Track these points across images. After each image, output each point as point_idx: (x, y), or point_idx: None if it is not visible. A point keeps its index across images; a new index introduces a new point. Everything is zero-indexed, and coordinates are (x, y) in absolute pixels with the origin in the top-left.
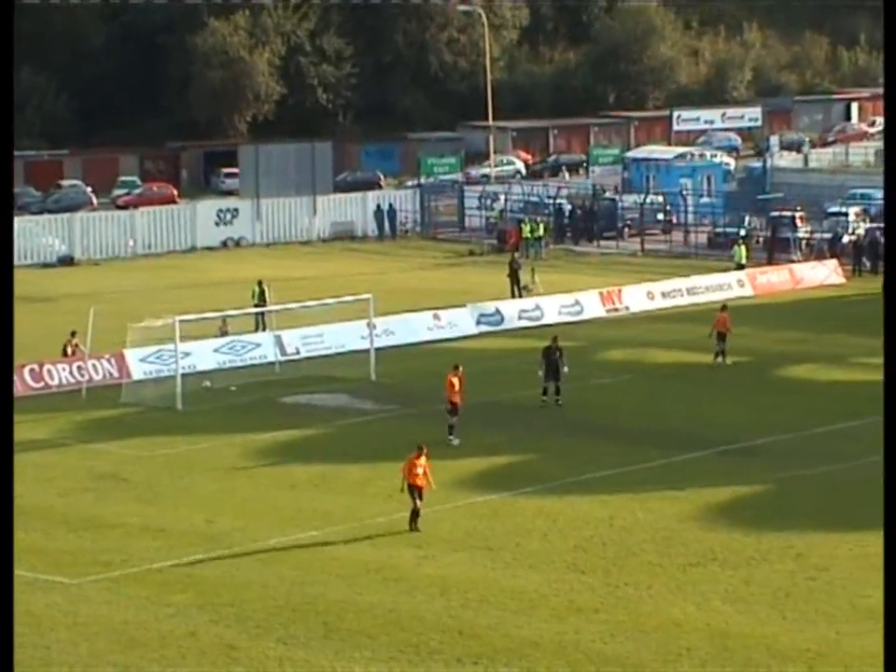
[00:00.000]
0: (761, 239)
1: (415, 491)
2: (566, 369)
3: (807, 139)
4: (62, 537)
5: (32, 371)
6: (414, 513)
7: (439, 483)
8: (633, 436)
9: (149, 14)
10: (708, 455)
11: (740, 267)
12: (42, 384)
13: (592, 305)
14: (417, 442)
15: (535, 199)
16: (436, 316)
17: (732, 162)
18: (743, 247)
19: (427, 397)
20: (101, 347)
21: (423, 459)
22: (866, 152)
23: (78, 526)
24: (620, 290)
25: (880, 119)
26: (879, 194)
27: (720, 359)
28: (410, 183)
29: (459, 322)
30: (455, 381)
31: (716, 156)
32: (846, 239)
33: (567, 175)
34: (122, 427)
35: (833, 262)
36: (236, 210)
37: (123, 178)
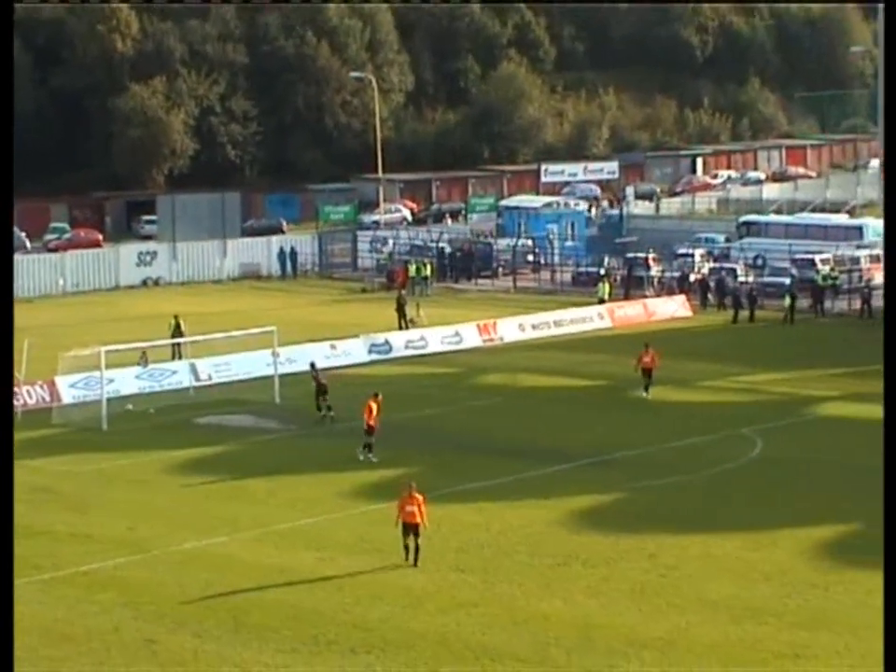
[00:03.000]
0: (618, 277)
1: (409, 528)
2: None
3: (658, 190)
4: None
5: None
6: (407, 548)
7: (336, 495)
8: (506, 451)
9: (76, 79)
10: (572, 467)
11: (601, 301)
12: None
13: (470, 336)
14: (408, 482)
15: (420, 242)
16: (332, 346)
17: (592, 210)
18: (604, 285)
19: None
20: (34, 375)
21: (416, 496)
22: (710, 201)
23: (14, 534)
24: (495, 323)
25: (722, 172)
26: (721, 238)
27: (645, 394)
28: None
29: (353, 351)
30: (374, 406)
31: (578, 204)
32: (692, 277)
33: (448, 221)
34: (54, 445)
35: (682, 298)
36: (155, 253)
37: (54, 225)
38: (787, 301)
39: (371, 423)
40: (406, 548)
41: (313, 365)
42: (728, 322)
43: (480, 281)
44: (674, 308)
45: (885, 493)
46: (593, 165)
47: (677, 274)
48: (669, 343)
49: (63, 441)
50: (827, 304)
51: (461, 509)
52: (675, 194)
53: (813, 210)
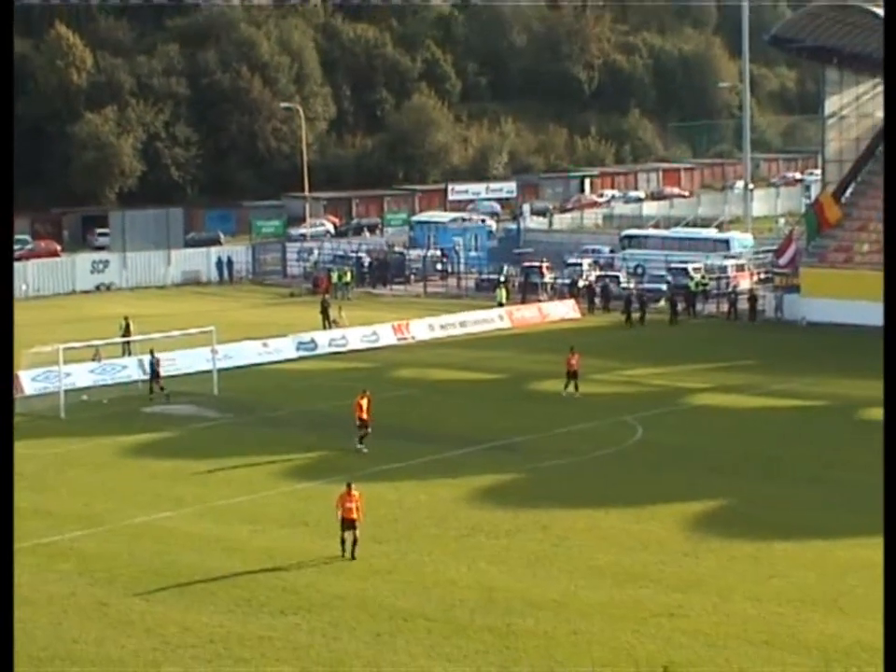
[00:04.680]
0: (516, 283)
1: (347, 523)
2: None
3: (551, 207)
4: None
5: None
6: (344, 542)
7: (268, 475)
8: (418, 436)
9: (37, 107)
10: (477, 450)
11: (501, 305)
12: None
13: (386, 335)
14: (347, 480)
15: (341, 253)
16: (265, 344)
17: (493, 224)
18: (503, 290)
19: (258, 407)
20: None
21: (354, 494)
22: (596, 216)
23: None
24: (408, 323)
25: (608, 192)
26: (606, 249)
27: (572, 391)
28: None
29: (283, 348)
30: (364, 402)
31: (481, 220)
32: (581, 283)
33: (366, 234)
34: (17, 431)
35: (572, 301)
36: (107, 261)
37: (17, 237)
38: (666, 304)
39: (364, 417)
40: (343, 542)
41: (152, 351)
42: (612, 322)
43: (394, 287)
44: (565, 311)
45: (885, 493)
46: (494, 185)
47: (567, 281)
48: (561, 342)
49: (26, 428)
50: (698, 307)
51: (378, 487)
52: (566, 211)
53: (686, 225)
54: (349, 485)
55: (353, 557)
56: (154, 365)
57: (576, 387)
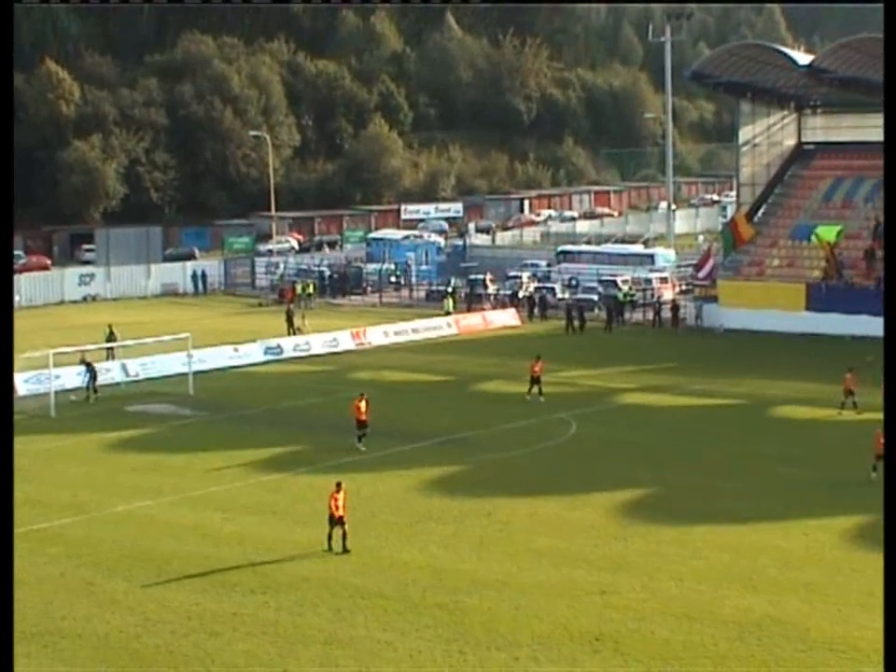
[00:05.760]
0: (462, 294)
1: (335, 520)
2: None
3: (494, 225)
4: None
5: None
6: (329, 537)
7: (239, 467)
8: (374, 432)
9: (29, 135)
10: (427, 444)
11: (448, 313)
12: None
13: (345, 341)
14: (336, 480)
15: (305, 266)
16: (235, 349)
17: (442, 241)
18: (451, 300)
19: (230, 406)
20: None
21: (341, 494)
22: (535, 234)
23: None
24: (365, 330)
25: (544, 211)
26: (543, 263)
27: (535, 392)
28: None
29: (252, 353)
30: (362, 404)
31: (431, 237)
32: (521, 294)
33: (327, 249)
34: None
35: (512, 310)
36: (93, 274)
37: None
38: (602, 313)
39: (362, 418)
40: (329, 537)
41: (83, 358)
42: (549, 329)
43: (353, 297)
44: (506, 319)
45: (885, 494)
46: (442, 205)
47: (509, 292)
48: (503, 347)
49: (19, 426)
50: (626, 316)
51: (338, 478)
52: (507, 229)
53: (615, 241)
54: (338, 485)
55: (344, 550)
56: (92, 372)
57: (539, 391)
